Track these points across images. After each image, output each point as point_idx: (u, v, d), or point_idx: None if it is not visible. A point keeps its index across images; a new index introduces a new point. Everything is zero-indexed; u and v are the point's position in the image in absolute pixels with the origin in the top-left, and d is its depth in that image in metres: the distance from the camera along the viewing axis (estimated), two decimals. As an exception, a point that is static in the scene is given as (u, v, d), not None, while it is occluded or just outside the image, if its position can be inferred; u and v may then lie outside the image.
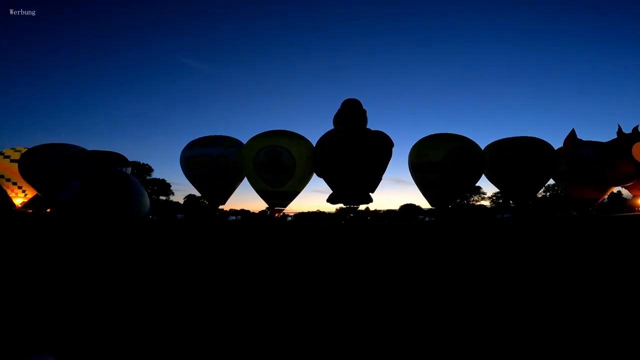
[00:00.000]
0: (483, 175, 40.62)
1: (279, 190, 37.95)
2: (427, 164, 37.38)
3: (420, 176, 38.77)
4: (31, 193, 46.41)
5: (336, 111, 38.89)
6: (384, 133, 36.02)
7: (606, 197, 47.88)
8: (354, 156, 33.96)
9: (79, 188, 33.12)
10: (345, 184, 35.54)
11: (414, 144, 40.04)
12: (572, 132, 40.43)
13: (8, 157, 45.43)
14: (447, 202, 41.12)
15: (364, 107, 38.58)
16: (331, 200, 37.26)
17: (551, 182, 49.55)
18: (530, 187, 39.34)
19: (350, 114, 37.49)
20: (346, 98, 39.54)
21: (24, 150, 42.93)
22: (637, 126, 40.22)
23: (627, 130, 40.93)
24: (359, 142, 34.46)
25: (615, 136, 41.35)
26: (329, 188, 38.07)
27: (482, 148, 39.93)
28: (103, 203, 32.33)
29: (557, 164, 39.04)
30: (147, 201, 37.47)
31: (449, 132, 39.91)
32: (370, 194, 37.07)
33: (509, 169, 37.64)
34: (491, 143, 40.50)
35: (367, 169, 34.80)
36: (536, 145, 37.99)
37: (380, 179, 36.87)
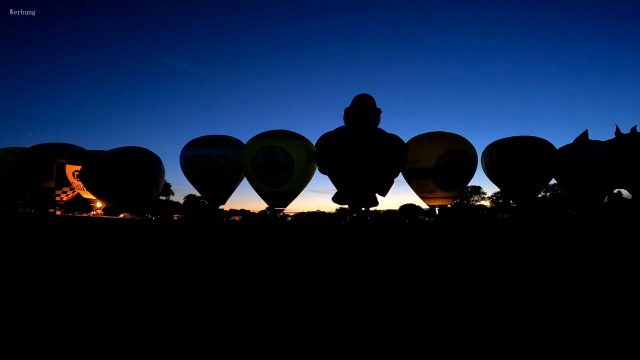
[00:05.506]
0: (484, 175, 40.77)
1: (277, 191, 37.53)
2: (418, 170, 36.80)
3: (413, 181, 38.64)
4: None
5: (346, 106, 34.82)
6: (400, 137, 34.13)
7: (606, 197, 47.73)
8: (372, 157, 31.86)
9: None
10: (356, 184, 33.29)
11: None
12: (585, 133, 39.46)
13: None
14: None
15: (378, 107, 35.00)
16: (336, 199, 35.42)
17: (552, 181, 49.36)
18: (534, 187, 39.15)
19: (364, 112, 34.20)
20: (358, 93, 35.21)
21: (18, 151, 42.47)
22: (635, 126, 40.21)
23: (625, 130, 40.93)
24: (378, 144, 32.36)
25: (613, 136, 41.27)
26: (329, 188, 37.39)
27: (480, 147, 40.05)
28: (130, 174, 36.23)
29: (560, 164, 38.63)
30: (161, 186, 41.68)
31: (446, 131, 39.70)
32: (381, 196, 35.74)
33: (512, 169, 37.24)
34: (493, 142, 40.45)
35: (382, 172, 33.01)
36: (539, 145, 37.88)
37: (392, 182, 35.67)
